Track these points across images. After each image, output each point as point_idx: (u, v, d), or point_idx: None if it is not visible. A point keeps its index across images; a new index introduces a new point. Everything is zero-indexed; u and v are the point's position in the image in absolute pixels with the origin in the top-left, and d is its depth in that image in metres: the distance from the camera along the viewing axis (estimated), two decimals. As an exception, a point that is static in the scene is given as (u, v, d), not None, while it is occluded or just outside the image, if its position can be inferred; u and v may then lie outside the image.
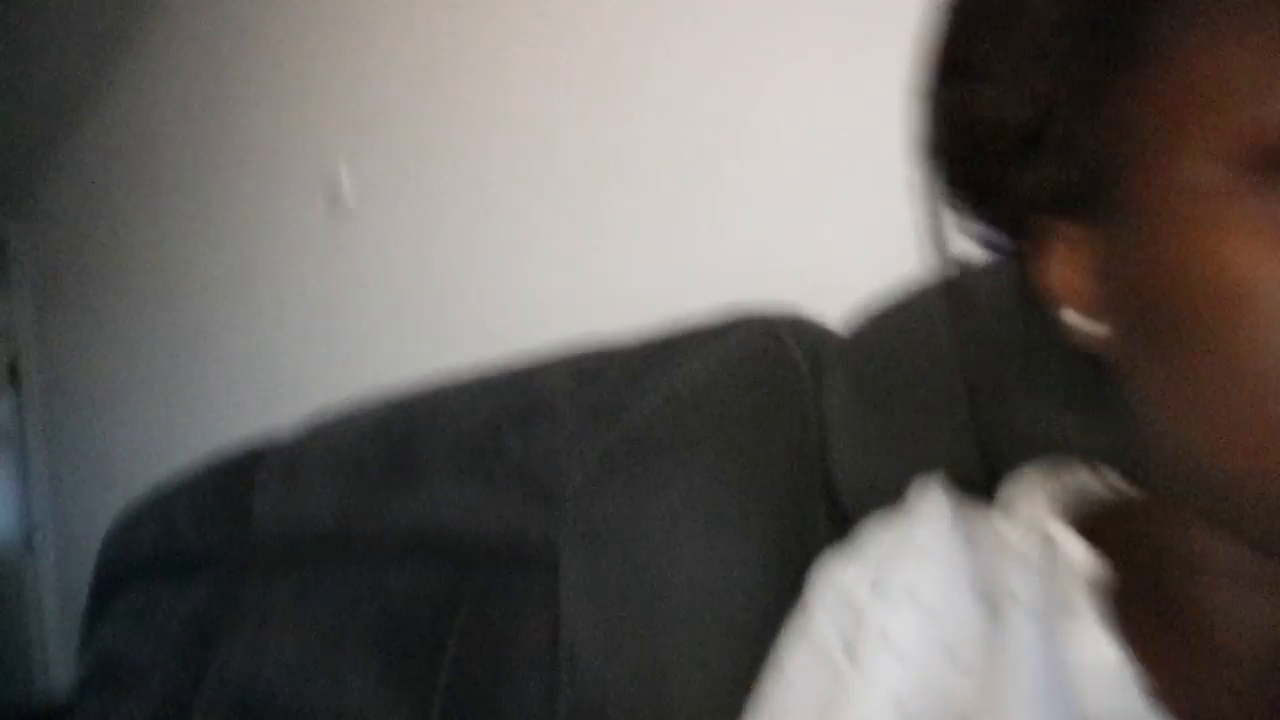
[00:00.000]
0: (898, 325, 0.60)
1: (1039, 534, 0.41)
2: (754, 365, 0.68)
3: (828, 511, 0.63)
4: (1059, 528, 0.40)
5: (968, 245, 0.41)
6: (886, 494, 0.54)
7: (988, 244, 0.40)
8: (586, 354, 0.85)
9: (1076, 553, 0.39)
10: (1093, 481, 0.44)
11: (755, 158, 1.06)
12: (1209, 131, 0.30)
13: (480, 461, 0.87)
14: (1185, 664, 0.35)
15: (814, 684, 0.44)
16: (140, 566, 1.71)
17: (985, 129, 0.36)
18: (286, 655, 1.12)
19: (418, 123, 1.64)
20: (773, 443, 0.65)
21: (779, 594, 0.60)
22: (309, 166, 1.89)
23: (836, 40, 0.97)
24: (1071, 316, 0.36)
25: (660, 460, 0.70)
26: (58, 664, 3.44)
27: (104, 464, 2.95)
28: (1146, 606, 0.37)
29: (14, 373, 3.61)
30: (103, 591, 1.82)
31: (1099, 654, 0.36)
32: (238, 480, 1.39)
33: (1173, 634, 0.36)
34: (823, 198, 0.98)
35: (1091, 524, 0.41)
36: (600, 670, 0.69)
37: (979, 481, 0.48)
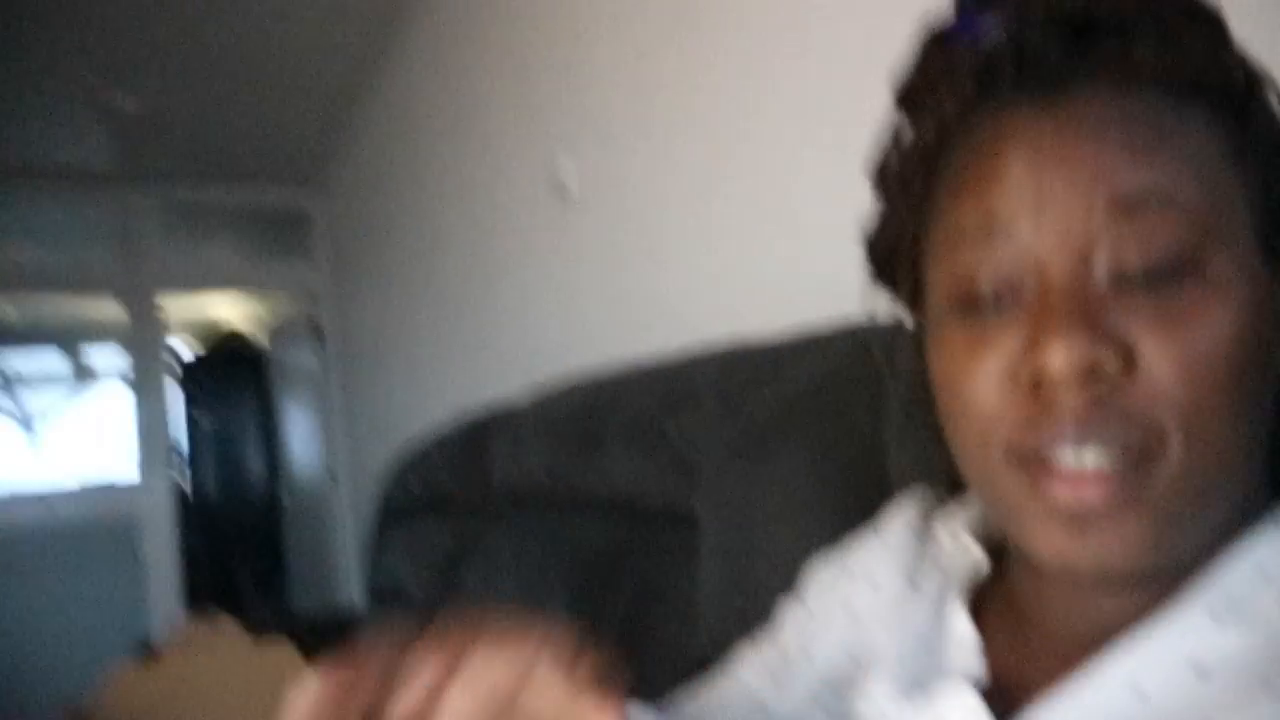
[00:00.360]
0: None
1: (959, 538, 0.54)
2: (842, 373, 0.81)
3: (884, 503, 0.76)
4: (964, 535, 0.54)
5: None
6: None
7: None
8: (730, 351, 1.00)
9: (966, 554, 0.53)
10: None
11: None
12: (936, 279, 0.45)
13: (645, 440, 1.05)
14: (1018, 638, 0.48)
15: (792, 635, 0.60)
16: (410, 505, 2.04)
17: (877, 243, 0.52)
18: (507, 588, 1.36)
19: (639, 118, 1.81)
20: (851, 441, 0.78)
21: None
22: (538, 157, 2.12)
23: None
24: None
25: (770, 450, 0.85)
26: (355, 582, 4.01)
27: (388, 411, 3.41)
28: (1001, 596, 0.50)
29: (318, 330, 4.20)
30: (382, 524, 2.18)
31: (961, 628, 0.49)
32: (479, 438, 1.65)
33: (1012, 616, 0.49)
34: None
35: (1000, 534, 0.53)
36: (720, 618, 0.86)
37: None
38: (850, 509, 0.77)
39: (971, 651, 0.48)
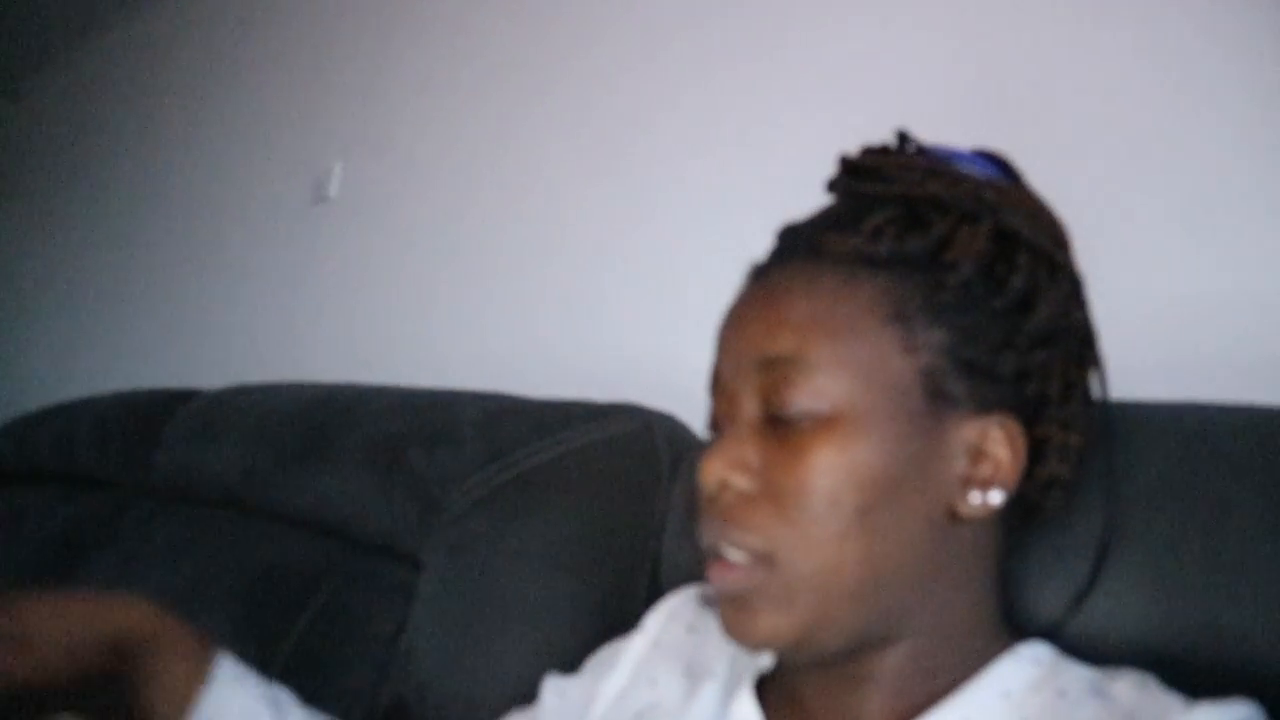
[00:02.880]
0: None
1: None
2: (624, 447, 0.83)
3: (648, 581, 0.77)
4: None
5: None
6: (695, 580, 0.68)
7: None
8: (496, 400, 0.98)
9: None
10: None
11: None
12: None
13: (383, 464, 0.99)
14: None
15: None
16: (23, 469, 1.75)
17: None
18: (150, 589, 1.20)
19: (411, 134, 1.77)
20: (623, 512, 0.80)
21: (590, 633, 0.73)
22: (302, 160, 2.01)
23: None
24: None
25: (534, 504, 0.84)
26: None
27: (30, 369, 2.95)
28: (783, 689, 0.56)
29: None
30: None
31: (746, 715, 0.55)
32: (153, 416, 1.47)
33: (792, 708, 0.55)
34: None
35: None
36: (429, 662, 0.82)
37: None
38: (611, 578, 0.78)
39: None
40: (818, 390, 0.49)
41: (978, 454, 0.50)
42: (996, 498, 0.50)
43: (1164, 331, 0.79)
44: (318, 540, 1.05)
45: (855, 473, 0.48)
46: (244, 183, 2.20)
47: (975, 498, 0.50)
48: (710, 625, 0.62)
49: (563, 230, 1.42)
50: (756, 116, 1.21)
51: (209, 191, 2.31)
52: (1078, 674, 0.50)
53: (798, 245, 0.54)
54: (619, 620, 0.74)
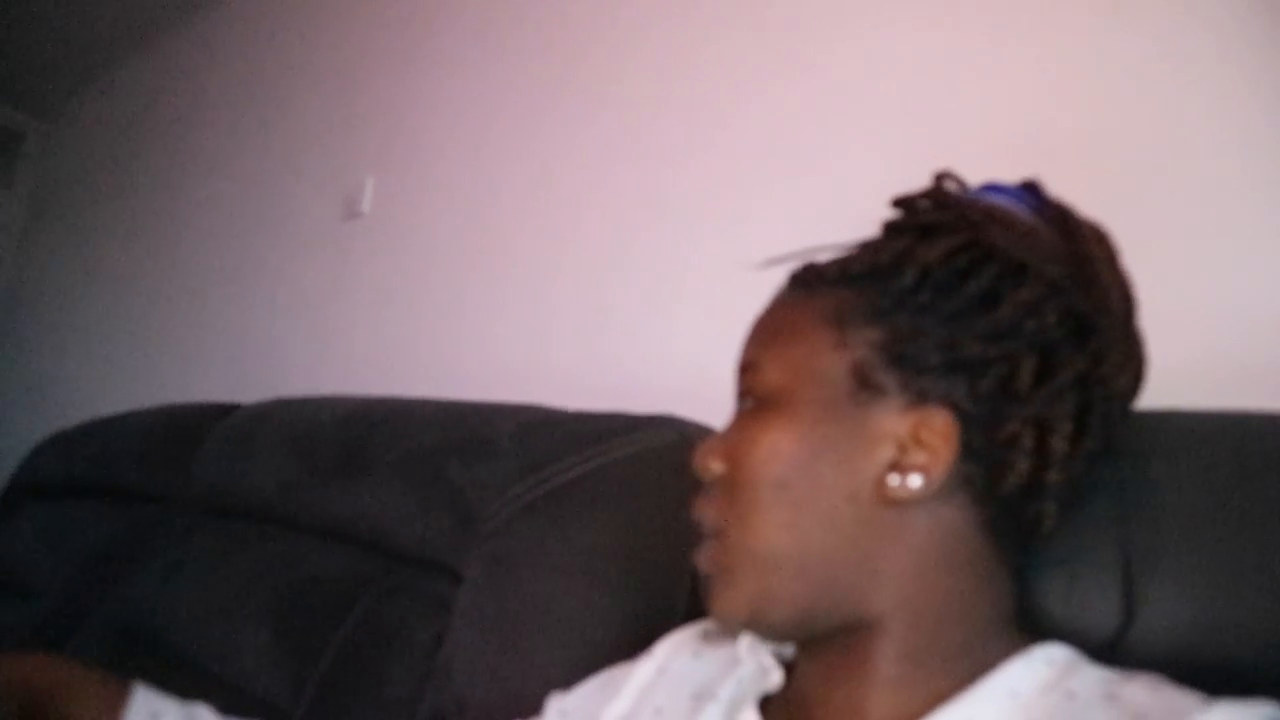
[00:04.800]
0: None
1: (757, 653, 0.61)
2: (662, 459, 0.83)
3: (687, 595, 0.77)
4: (764, 653, 0.61)
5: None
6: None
7: None
8: (534, 412, 0.99)
9: (761, 668, 0.60)
10: None
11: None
12: None
13: (421, 477, 1.00)
14: None
15: None
16: (66, 483, 1.78)
17: None
18: (190, 600, 1.21)
19: (442, 149, 1.79)
20: (661, 525, 0.79)
21: (629, 648, 0.73)
22: (334, 177, 2.03)
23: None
24: None
25: (573, 517, 0.84)
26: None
27: (58, 384, 2.99)
28: (790, 702, 0.57)
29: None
30: (15, 497, 1.88)
31: None
32: (192, 430, 1.49)
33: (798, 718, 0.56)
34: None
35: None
36: (467, 674, 0.82)
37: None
38: (650, 594, 0.78)
39: None
40: (762, 386, 0.56)
41: (913, 441, 0.52)
42: (915, 481, 0.52)
43: (1213, 339, 0.78)
44: (356, 553, 1.06)
45: (773, 450, 0.53)
46: (278, 200, 2.22)
47: (894, 479, 0.52)
48: (714, 652, 0.64)
49: (597, 243, 1.43)
50: (793, 137, 1.21)
51: (245, 209, 2.34)
52: (1091, 676, 0.49)
53: (796, 275, 0.60)
54: (657, 635, 0.73)
